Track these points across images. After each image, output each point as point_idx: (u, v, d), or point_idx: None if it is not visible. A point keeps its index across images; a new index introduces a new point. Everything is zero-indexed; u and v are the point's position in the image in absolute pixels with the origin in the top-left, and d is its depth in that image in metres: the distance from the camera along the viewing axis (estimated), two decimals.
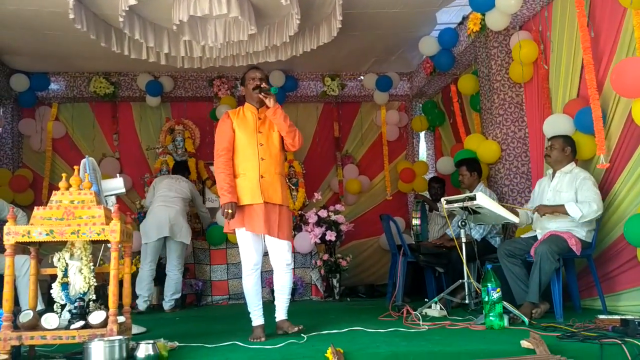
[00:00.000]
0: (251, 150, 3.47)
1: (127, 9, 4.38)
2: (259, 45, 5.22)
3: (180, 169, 6.01)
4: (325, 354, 2.63)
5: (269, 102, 3.47)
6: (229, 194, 3.39)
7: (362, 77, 7.21)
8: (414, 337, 3.16)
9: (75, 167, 3.01)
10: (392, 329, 3.45)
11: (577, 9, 4.02)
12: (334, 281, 5.76)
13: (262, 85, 3.51)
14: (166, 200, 5.46)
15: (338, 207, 6.03)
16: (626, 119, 3.74)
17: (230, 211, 3.36)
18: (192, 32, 4.96)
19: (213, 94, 6.95)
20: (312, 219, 5.70)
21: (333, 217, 5.80)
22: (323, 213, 5.82)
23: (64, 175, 2.95)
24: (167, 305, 5.33)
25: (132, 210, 6.29)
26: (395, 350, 2.72)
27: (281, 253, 3.51)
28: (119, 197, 3.70)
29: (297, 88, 7.06)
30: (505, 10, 4.63)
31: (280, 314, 3.55)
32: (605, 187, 3.91)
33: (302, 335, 3.31)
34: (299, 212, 6.21)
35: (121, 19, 4.55)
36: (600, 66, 3.96)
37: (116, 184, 3.62)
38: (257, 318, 3.47)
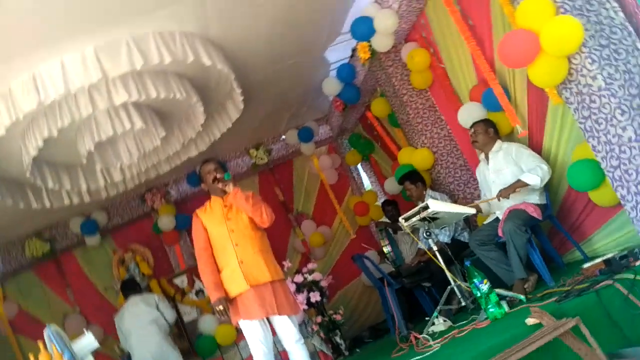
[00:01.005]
0: (224, 240, 3.56)
1: (32, 161, 4.32)
2: (175, 145, 5.27)
3: (128, 288, 5.49)
4: None
5: (228, 188, 3.60)
6: (215, 292, 3.47)
7: (283, 137, 7.38)
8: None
9: (40, 343, 2.92)
10: None
11: (446, 6, 4.34)
12: (337, 339, 5.70)
13: (217, 176, 3.64)
14: (139, 335, 5.05)
15: (310, 265, 6.03)
16: (527, 85, 4.01)
17: (220, 308, 3.42)
18: (104, 159, 4.94)
19: (149, 209, 6.89)
20: (291, 287, 5.67)
21: (310, 278, 5.79)
22: (299, 278, 5.80)
23: (31, 356, 2.84)
24: None
25: (115, 358, 5.98)
26: None
27: (286, 330, 3.54)
28: (96, 351, 3.58)
29: (228, 170, 7.13)
30: (386, 31, 4.93)
31: None
32: (535, 150, 4.14)
33: None
34: None
35: (29, 174, 4.48)
36: (485, 49, 4.26)
37: (87, 341, 3.51)
38: None
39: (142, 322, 5.09)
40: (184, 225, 6.64)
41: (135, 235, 6.90)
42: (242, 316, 3.47)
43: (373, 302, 7.11)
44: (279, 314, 3.49)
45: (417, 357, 3.46)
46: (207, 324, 6.01)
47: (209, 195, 3.81)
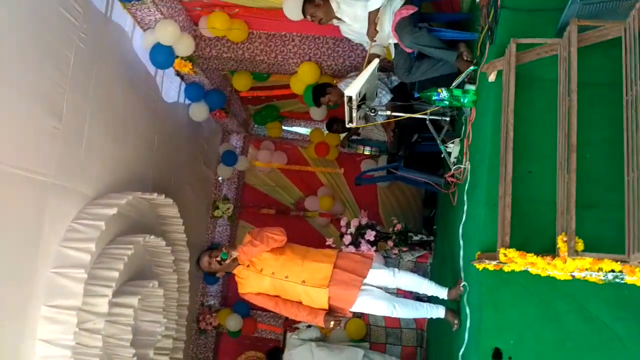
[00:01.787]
0: (277, 285, 3.74)
1: None
2: None
3: None
4: None
5: (234, 254, 3.77)
6: (316, 317, 3.69)
7: (220, 178, 7.39)
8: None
9: None
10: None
11: None
12: (415, 238, 5.83)
13: (218, 259, 3.81)
14: None
15: (343, 222, 6.09)
16: None
17: (331, 322, 3.66)
18: None
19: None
20: (351, 250, 5.75)
21: (352, 230, 5.86)
22: (347, 239, 5.85)
23: None
24: None
25: None
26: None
27: (379, 278, 3.80)
28: None
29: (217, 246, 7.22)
30: (175, 37, 4.82)
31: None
32: None
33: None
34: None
35: None
36: None
37: None
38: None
39: None
40: None
41: None
42: (348, 308, 3.70)
43: (403, 190, 7.29)
44: (363, 277, 3.69)
45: (467, 184, 3.57)
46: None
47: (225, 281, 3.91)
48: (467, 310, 3.19)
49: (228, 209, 7.17)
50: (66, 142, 3.67)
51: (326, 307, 3.69)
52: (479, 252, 2.90)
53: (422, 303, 3.89)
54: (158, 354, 4.50)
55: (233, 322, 6.74)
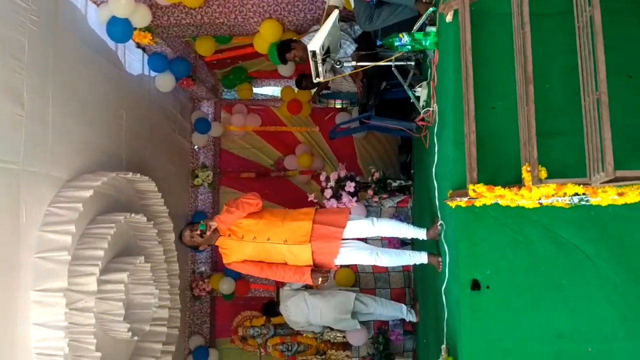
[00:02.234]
0: (260, 249, 3.83)
1: None
2: None
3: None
4: None
5: (213, 225, 3.83)
6: (303, 275, 3.78)
7: (196, 146, 7.37)
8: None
9: None
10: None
11: None
12: (394, 184, 5.92)
13: (199, 232, 3.85)
14: None
15: (322, 177, 6.13)
16: None
17: (319, 278, 3.77)
18: None
19: None
20: (332, 204, 5.82)
21: (332, 184, 5.91)
22: (328, 192, 5.91)
23: None
24: None
25: None
26: None
27: (358, 229, 3.92)
28: None
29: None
30: (130, 9, 4.71)
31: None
32: None
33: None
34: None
35: None
36: None
37: None
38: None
39: None
40: None
41: None
42: (333, 261, 3.82)
43: (379, 139, 7.37)
44: (342, 227, 3.81)
45: (436, 126, 3.62)
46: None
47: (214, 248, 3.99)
48: (446, 247, 3.30)
49: (207, 176, 7.18)
50: (32, 127, 3.63)
51: (311, 262, 3.80)
52: (450, 191, 2.98)
53: (404, 251, 4.06)
54: (155, 325, 4.60)
55: (226, 286, 6.87)
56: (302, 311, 5.61)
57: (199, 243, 3.94)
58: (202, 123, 7.20)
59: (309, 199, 6.01)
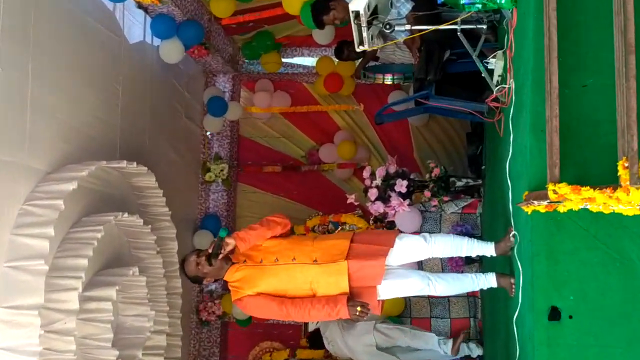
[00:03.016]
0: (282, 275, 3.85)
1: None
2: None
3: None
4: None
5: (228, 245, 3.82)
6: (336, 305, 3.76)
7: (209, 133, 7.51)
8: None
9: None
10: None
11: None
12: (458, 183, 5.92)
13: (208, 253, 3.83)
14: None
15: (366, 173, 6.16)
16: None
17: (357, 308, 3.75)
18: None
19: None
20: (377, 208, 5.85)
21: (379, 181, 5.94)
22: (373, 193, 5.95)
23: None
24: None
25: None
26: None
27: (409, 249, 3.95)
28: None
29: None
30: None
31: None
32: None
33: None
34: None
35: None
36: None
37: None
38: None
39: None
40: None
41: None
42: (376, 288, 3.85)
43: (442, 124, 7.37)
44: (389, 246, 3.88)
45: (512, 108, 3.61)
46: None
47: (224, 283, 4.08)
48: (519, 265, 3.29)
49: (222, 170, 7.31)
50: (6, 107, 3.77)
51: (347, 289, 3.80)
52: (526, 192, 2.97)
53: (465, 274, 4.10)
54: (149, 354, 4.73)
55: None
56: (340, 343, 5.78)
57: (206, 273, 3.92)
58: (217, 103, 7.32)
59: (348, 200, 6.05)
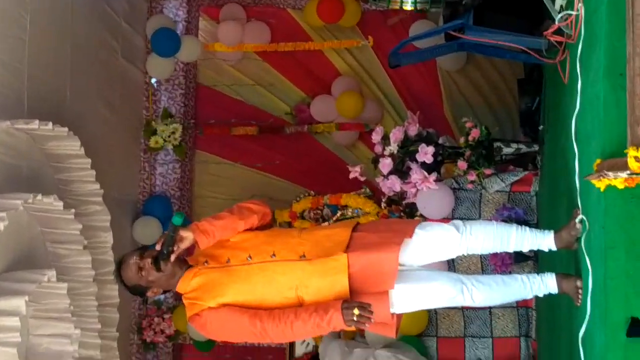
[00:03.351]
0: (256, 277, 3.83)
1: None
2: None
3: None
4: None
5: (183, 241, 3.80)
6: (327, 312, 3.68)
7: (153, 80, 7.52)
8: None
9: None
10: None
11: None
12: (505, 148, 5.94)
13: (168, 251, 3.78)
14: None
15: (376, 136, 6.16)
16: None
17: (355, 312, 3.66)
18: None
19: None
20: (393, 185, 5.87)
21: (394, 147, 5.96)
22: (385, 164, 5.97)
23: None
24: None
25: None
26: None
27: (437, 241, 3.96)
28: None
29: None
30: None
31: None
32: None
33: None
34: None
35: None
36: None
37: None
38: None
39: None
40: None
41: None
42: (385, 290, 3.84)
43: (483, 68, 7.41)
44: (406, 235, 3.87)
45: (580, 45, 3.64)
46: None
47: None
48: (588, 262, 3.32)
49: (173, 133, 7.36)
50: None
51: (346, 292, 3.77)
52: (598, 160, 3.00)
53: (514, 276, 4.04)
54: None
55: None
56: None
57: (152, 282, 3.89)
58: (166, 38, 7.34)
59: (351, 175, 6.05)
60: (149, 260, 3.80)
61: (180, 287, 3.89)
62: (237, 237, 3.92)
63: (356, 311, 3.61)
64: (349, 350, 5.84)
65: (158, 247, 3.77)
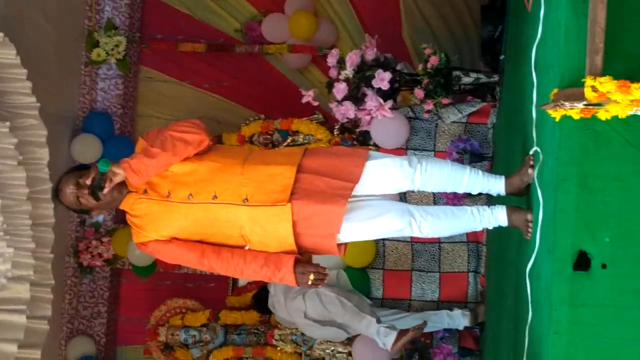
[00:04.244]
0: (202, 213, 3.91)
1: None
2: None
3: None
4: None
5: (117, 175, 3.84)
6: (279, 267, 3.89)
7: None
8: None
9: None
10: None
11: None
12: (464, 77, 5.97)
13: (88, 182, 3.87)
14: None
15: (332, 59, 6.16)
16: None
17: (309, 271, 3.90)
18: None
19: None
20: (345, 111, 5.88)
21: (349, 71, 5.95)
22: (339, 89, 5.95)
23: None
24: None
25: None
26: None
27: (384, 177, 4.01)
28: None
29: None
30: None
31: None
32: None
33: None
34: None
35: None
36: None
37: None
38: None
39: None
40: None
41: None
42: (333, 241, 3.97)
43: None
44: (354, 182, 3.92)
45: None
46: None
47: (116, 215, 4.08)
48: (539, 194, 3.41)
49: (117, 46, 7.27)
50: None
51: (292, 243, 3.90)
52: (555, 90, 3.06)
53: (464, 208, 4.11)
54: (4, 311, 4.80)
55: (140, 251, 7.06)
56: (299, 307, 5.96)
57: (90, 207, 4.03)
58: None
59: (304, 99, 6.05)
60: (86, 191, 3.88)
61: (125, 205, 3.98)
62: (176, 167, 3.92)
63: (312, 277, 3.85)
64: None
65: (88, 182, 3.85)
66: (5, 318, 4.91)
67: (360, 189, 3.94)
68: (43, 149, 5.42)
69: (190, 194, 3.87)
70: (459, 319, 5.72)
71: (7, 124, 4.97)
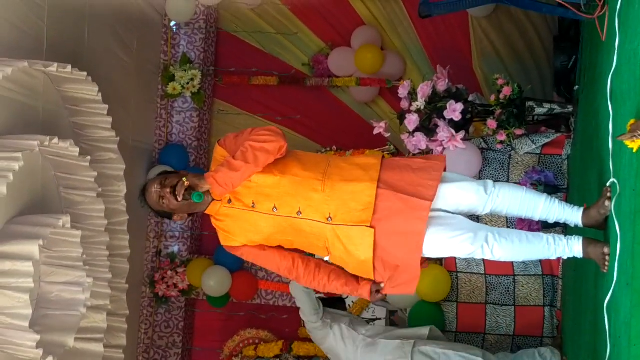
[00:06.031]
0: (285, 225, 4.03)
1: None
2: None
3: None
4: None
5: (203, 185, 3.96)
6: (354, 287, 4.15)
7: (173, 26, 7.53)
8: None
9: None
10: None
11: None
12: (537, 108, 5.92)
13: (177, 188, 3.97)
14: None
15: (403, 90, 6.14)
16: None
17: (378, 297, 4.17)
18: None
19: None
20: (418, 142, 5.88)
21: (420, 103, 5.94)
22: (411, 119, 5.94)
23: None
24: None
25: None
26: None
27: (460, 198, 4.07)
28: None
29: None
30: None
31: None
32: None
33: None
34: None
35: None
36: None
37: None
38: None
39: None
40: None
41: None
42: (415, 266, 4.03)
43: (517, 20, 7.36)
44: (429, 200, 3.92)
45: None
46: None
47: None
48: (617, 227, 3.36)
49: (192, 79, 7.41)
50: None
51: (370, 274, 4.05)
52: (632, 120, 3.03)
53: (539, 235, 4.02)
54: (85, 339, 4.87)
55: (214, 281, 7.15)
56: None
57: (174, 209, 4.08)
58: None
59: (375, 131, 6.06)
60: (169, 190, 3.96)
61: (210, 211, 4.10)
62: (259, 178, 3.99)
63: (379, 296, 4.13)
64: (373, 341, 5.82)
65: (179, 199, 3.94)
66: (84, 346, 4.98)
67: (436, 202, 3.96)
68: (121, 182, 5.52)
69: (275, 207, 3.97)
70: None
71: (88, 158, 5.07)
